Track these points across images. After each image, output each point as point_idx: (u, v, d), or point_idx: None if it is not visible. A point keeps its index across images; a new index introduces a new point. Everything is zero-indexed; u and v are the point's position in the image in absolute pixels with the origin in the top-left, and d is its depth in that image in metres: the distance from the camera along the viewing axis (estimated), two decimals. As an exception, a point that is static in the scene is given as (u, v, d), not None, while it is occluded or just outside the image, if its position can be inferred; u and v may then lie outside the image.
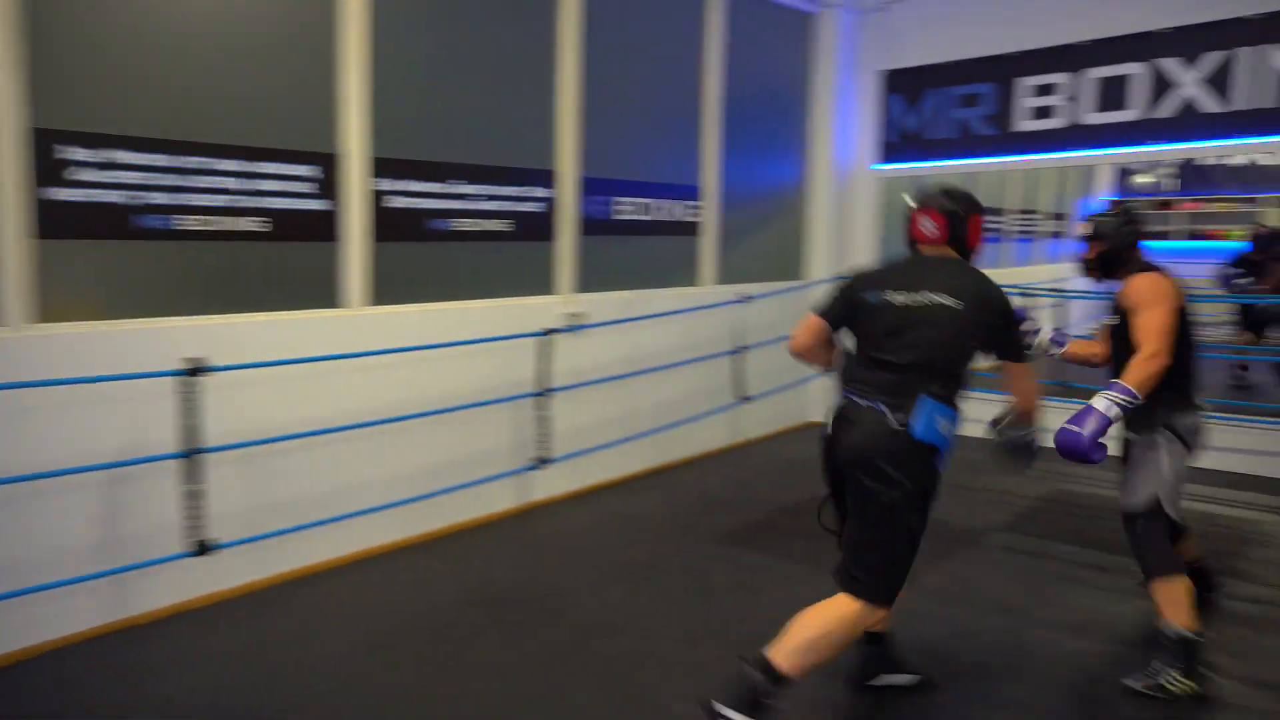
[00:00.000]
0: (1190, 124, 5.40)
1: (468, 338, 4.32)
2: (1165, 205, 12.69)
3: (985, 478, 5.01)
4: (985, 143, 6.27)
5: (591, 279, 5.14)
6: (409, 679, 2.96)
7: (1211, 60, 5.28)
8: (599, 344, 5.09)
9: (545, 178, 4.79)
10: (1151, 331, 2.78)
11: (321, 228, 3.87)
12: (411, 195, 4.18)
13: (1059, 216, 11.73)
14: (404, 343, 4.09)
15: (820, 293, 6.63)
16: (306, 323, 3.81)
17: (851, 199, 6.98)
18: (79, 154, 3.17)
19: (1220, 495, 4.98)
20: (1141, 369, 2.72)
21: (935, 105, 6.49)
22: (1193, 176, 12.28)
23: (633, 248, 5.41)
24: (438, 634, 3.28)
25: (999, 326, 2.56)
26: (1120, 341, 2.97)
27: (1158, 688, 2.81)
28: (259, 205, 3.65)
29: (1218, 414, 5.64)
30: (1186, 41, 5.36)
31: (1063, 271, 10.99)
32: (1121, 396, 2.65)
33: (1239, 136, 5.28)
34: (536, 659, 3.09)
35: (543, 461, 4.57)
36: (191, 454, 3.25)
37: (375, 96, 3.96)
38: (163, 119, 3.37)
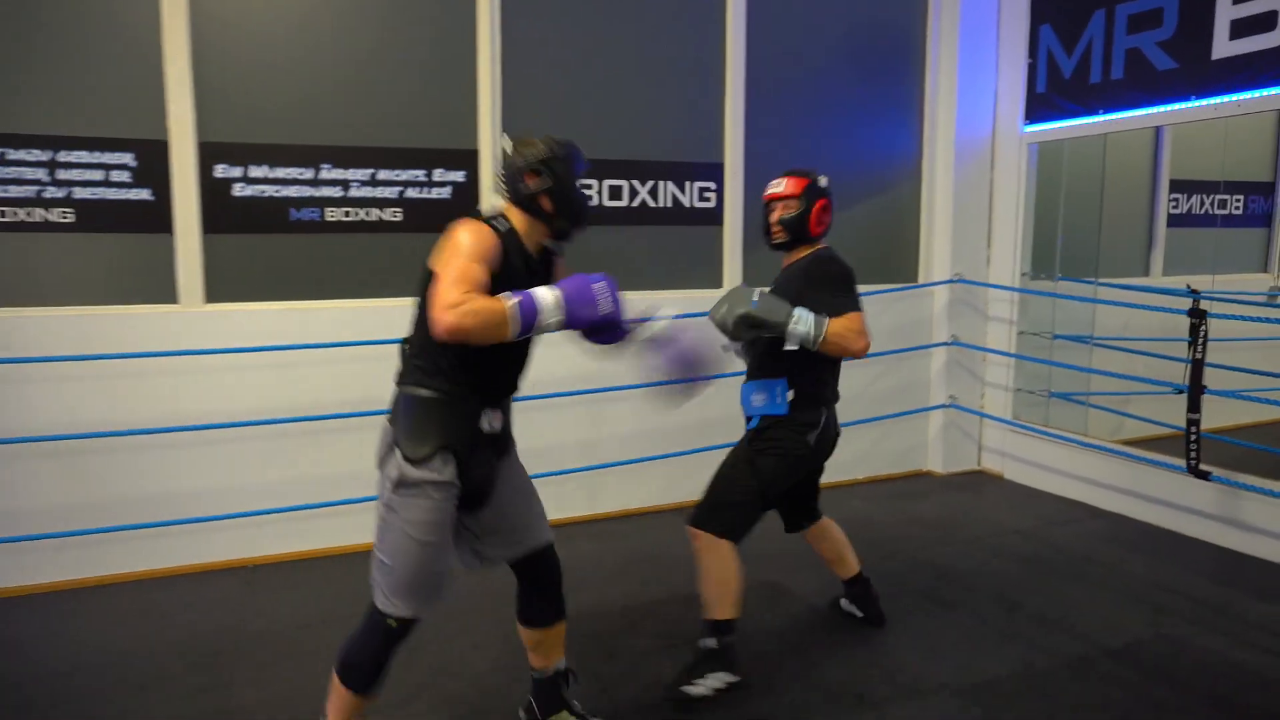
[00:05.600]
0: None
1: (340, 339, 3.84)
2: None
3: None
4: (1168, 81, 4.16)
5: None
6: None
7: None
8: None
9: (460, 159, 4.09)
10: None
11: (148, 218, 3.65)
12: (263, 183, 3.79)
13: None
14: (263, 342, 3.74)
15: (939, 296, 5.05)
16: (139, 318, 3.62)
17: (981, 173, 5.14)
18: None
19: None
20: None
21: (1099, 34, 4.48)
22: None
23: (607, 241, 4.45)
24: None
25: None
26: None
27: None
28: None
29: None
30: None
31: None
32: None
33: None
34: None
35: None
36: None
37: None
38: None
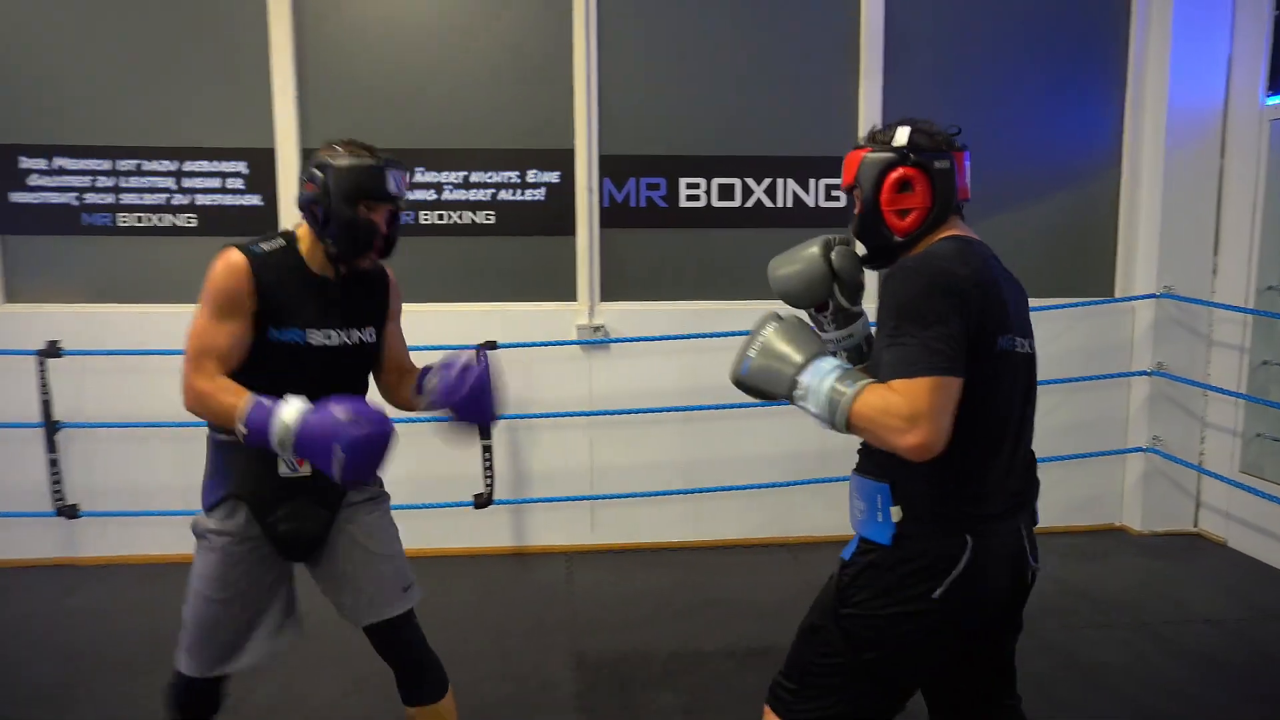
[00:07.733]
0: None
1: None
2: None
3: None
4: None
5: (636, 285, 4.06)
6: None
7: None
8: (641, 367, 4.00)
9: (555, 159, 3.93)
10: None
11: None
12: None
13: None
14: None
15: (1141, 314, 4.11)
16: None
17: (1205, 159, 4.08)
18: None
19: None
20: None
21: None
22: None
23: (717, 246, 4.07)
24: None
25: None
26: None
27: None
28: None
29: None
30: None
31: None
32: None
33: None
34: None
35: (484, 501, 3.77)
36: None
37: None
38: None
